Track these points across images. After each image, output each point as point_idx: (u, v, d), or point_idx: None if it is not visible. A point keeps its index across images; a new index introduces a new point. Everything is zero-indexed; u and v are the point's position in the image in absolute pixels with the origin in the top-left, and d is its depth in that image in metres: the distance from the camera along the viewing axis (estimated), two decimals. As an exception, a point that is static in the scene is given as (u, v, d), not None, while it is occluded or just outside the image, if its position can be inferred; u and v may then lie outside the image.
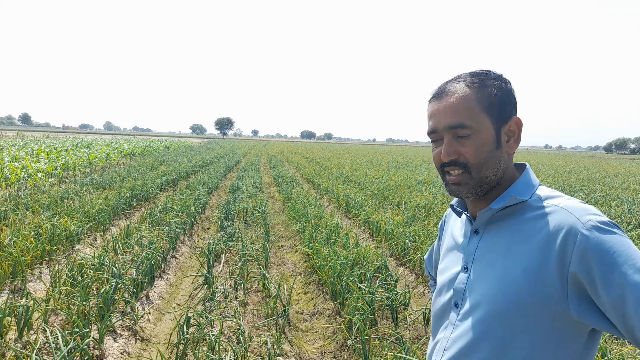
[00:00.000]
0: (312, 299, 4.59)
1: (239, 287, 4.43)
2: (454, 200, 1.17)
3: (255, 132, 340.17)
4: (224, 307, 3.87)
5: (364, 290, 3.92)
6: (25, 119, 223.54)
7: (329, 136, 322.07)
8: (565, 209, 0.91)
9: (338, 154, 36.37)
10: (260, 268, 4.83)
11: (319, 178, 13.63)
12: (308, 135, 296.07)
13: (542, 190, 1.01)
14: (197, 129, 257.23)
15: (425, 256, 1.45)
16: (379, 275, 4.54)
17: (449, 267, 1.11)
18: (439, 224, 1.32)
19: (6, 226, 5.74)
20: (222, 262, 5.22)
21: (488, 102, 0.98)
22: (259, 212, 7.73)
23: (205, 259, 5.02)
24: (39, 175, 11.25)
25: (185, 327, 3.26)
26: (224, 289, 4.24)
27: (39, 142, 30.40)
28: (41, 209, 6.97)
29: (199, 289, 4.43)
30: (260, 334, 3.50)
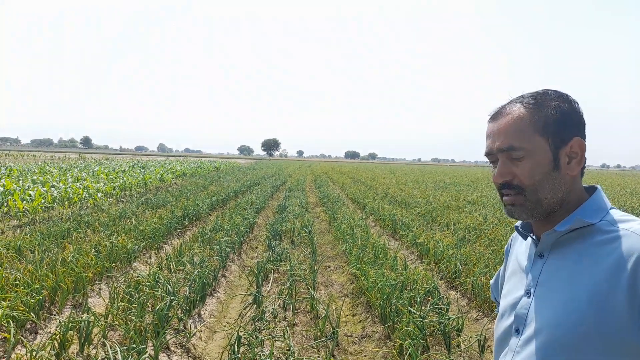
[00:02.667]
0: (360, 321, 4.53)
1: (287, 307, 4.45)
2: (519, 222, 1.13)
3: (300, 153, 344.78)
4: (273, 327, 3.90)
5: (415, 314, 3.83)
6: (86, 141, 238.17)
7: (373, 156, 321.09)
8: (637, 233, 0.87)
9: (383, 173, 36.13)
10: (308, 288, 4.84)
11: (365, 198, 13.57)
12: (352, 155, 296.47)
13: (614, 214, 0.96)
14: (245, 150, 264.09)
15: (492, 281, 1.41)
16: (430, 298, 4.42)
17: (512, 291, 1.08)
18: (505, 247, 1.29)
19: (69, 243, 6.08)
20: (271, 281, 5.28)
21: (544, 122, 0.96)
22: (305, 232, 7.77)
23: (254, 278, 5.09)
24: (99, 195, 11.89)
25: (236, 347, 3.30)
26: (273, 309, 4.27)
27: (98, 163, 32.27)
28: (101, 227, 7.34)
29: (248, 308, 4.48)
30: (310, 356, 3.48)
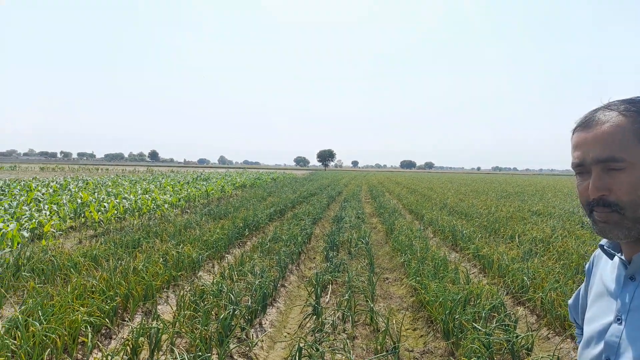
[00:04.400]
0: (421, 336, 4.42)
1: (346, 319, 4.43)
2: (604, 240, 1.04)
3: (355, 163, 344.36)
4: (333, 339, 3.89)
5: (480, 330, 3.68)
6: (153, 155, 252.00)
7: (429, 165, 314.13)
8: None
9: (440, 183, 35.23)
10: (367, 300, 4.79)
11: (422, 208, 13.28)
12: (408, 164, 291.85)
13: None
14: (301, 161, 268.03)
15: (570, 301, 1.32)
16: (495, 314, 4.23)
17: (599, 316, 1.00)
18: (586, 265, 1.20)
19: (140, 252, 6.42)
20: (329, 292, 5.28)
21: None
22: (362, 243, 7.73)
23: (313, 289, 5.12)
24: (166, 206, 12.51)
25: (297, 358, 3.33)
26: (332, 321, 4.26)
27: (164, 176, 33.99)
28: (168, 237, 7.71)
29: (308, 319, 4.51)
30: (370, 370, 3.43)
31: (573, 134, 0.98)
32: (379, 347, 3.77)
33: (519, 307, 4.92)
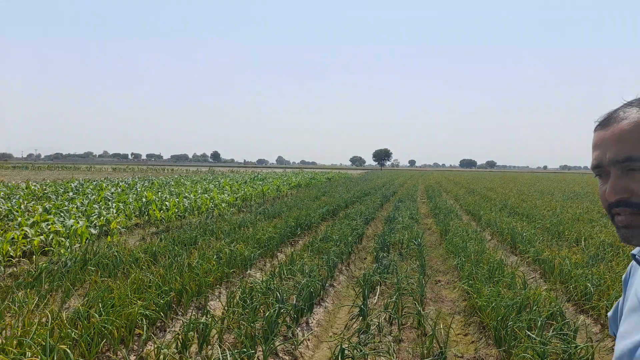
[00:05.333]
0: (472, 342, 4.25)
1: (393, 322, 4.35)
2: (637, 249, 0.95)
3: (412, 162, 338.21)
4: (378, 342, 3.83)
5: (534, 339, 3.48)
6: (215, 156, 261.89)
7: (491, 164, 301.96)
8: None
9: (502, 183, 33.77)
10: (415, 303, 4.68)
11: (480, 209, 12.79)
12: (468, 164, 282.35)
13: None
14: (357, 161, 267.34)
15: (610, 313, 1.20)
16: (553, 322, 3.99)
17: (630, 332, 0.89)
18: (623, 276, 1.09)
19: (195, 250, 6.69)
20: (377, 294, 5.22)
21: None
22: (414, 244, 7.57)
23: (361, 290, 5.08)
24: (223, 205, 12.95)
25: (340, 359, 3.31)
26: (379, 322, 4.20)
27: (224, 176, 35.22)
28: (222, 235, 7.97)
29: (354, 320, 4.48)
30: (415, 375, 3.35)
31: (594, 133, 0.90)
32: (425, 352, 3.67)
33: (581, 316, 4.60)
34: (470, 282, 5.15)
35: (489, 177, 51.67)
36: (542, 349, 3.27)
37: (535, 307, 4.24)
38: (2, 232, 7.20)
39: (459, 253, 6.79)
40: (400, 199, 17.12)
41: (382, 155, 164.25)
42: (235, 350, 3.30)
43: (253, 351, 3.29)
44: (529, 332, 3.59)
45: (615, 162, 0.83)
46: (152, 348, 3.44)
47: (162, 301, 4.17)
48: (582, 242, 7.54)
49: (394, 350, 3.53)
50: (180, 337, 3.49)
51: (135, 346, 3.64)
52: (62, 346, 3.02)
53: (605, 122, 0.87)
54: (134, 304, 3.93)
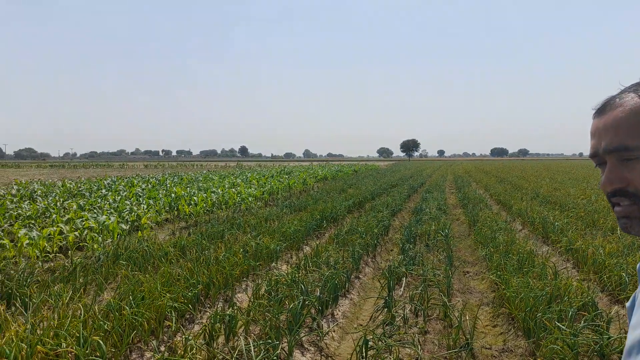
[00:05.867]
0: (501, 333, 4.17)
1: (419, 313, 4.32)
2: None
3: (441, 152, 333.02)
4: (403, 333, 3.82)
5: (564, 330, 3.38)
6: (243, 151, 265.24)
7: (523, 152, 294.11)
8: None
9: (534, 171, 32.87)
10: (441, 295, 4.63)
11: (511, 199, 12.50)
12: (499, 152, 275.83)
13: None
14: (384, 152, 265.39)
15: (628, 304, 1.15)
16: (585, 313, 3.87)
17: None
18: (637, 265, 1.04)
19: (222, 243, 6.80)
20: (403, 285, 5.18)
21: None
22: (441, 235, 7.47)
23: (386, 282, 5.06)
24: (250, 199, 13.09)
25: (364, 350, 3.32)
26: (404, 314, 4.18)
27: (252, 170, 35.61)
28: (249, 228, 8.07)
29: (379, 312, 4.47)
30: (441, 366, 3.32)
31: (593, 120, 0.86)
32: (451, 343, 3.63)
33: (615, 306, 4.45)
34: (498, 272, 5.06)
35: (520, 166, 50.37)
36: (573, 340, 3.19)
37: (566, 298, 4.12)
38: (39, 228, 7.51)
39: (487, 244, 6.66)
40: (428, 189, 16.91)
41: (409, 146, 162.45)
42: (261, 342, 3.35)
43: (278, 342, 3.33)
44: (558, 323, 3.50)
45: (609, 151, 0.80)
46: (181, 339, 3.53)
47: (190, 294, 4.26)
48: (618, 231, 7.27)
49: (418, 342, 3.50)
50: (207, 328, 3.57)
51: (165, 337, 3.74)
52: (95, 337, 3.14)
53: (601, 110, 0.83)
54: (163, 296, 4.03)
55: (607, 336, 3.27)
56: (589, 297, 4.05)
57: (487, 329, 4.30)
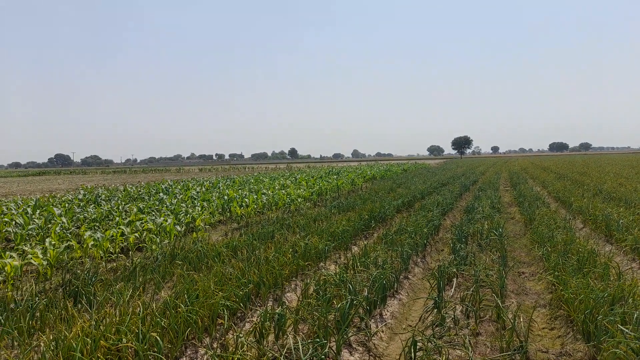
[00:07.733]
0: (559, 336, 3.99)
1: (470, 315, 4.21)
2: None
3: (495, 149, 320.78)
4: (454, 335, 3.74)
5: (628, 334, 3.18)
6: (292, 152, 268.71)
7: (585, 147, 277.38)
8: None
9: (597, 166, 30.96)
10: (494, 296, 4.49)
11: (571, 196, 11.86)
12: (559, 147, 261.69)
13: None
14: (434, 150, 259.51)
15: None
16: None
17: None
18: None
19: (272, 243, 6.94)
20: (454, 286, 5.07)
21: None
22: (495, 234, 7.22)
23: (436, 282, 4.97)
24: (299, 200, 13.26)
25: (413, 351, 3.28)
26: (454, 315, 4.09)
27: (301, 171, 36.01)
28: (298, 229, 8.19)
29: (429, 313, 4.40)
30: (493, 369, 3.23)
31: None
32: (504, 345, 3.52)
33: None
34: (556, 273, 4.83)
35: (582, 161, 47.64)
36: (638, 345, 2.99)
37: (630, 300, 3.87)
38: (103, 230, 8.01)
39: (544, 243, 6.37)
40: (480, 187, 16.38)
41: (461, 143, 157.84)
42: (309, 340, 3.40)
43: (326, 341, 3.37)
44: (622, 327, 3.30)
45: None
46: (232, 336, 3.65)
47: (241, 293, 4.40)
48: (692, 229, 6.72)
49: (469, 343, 3.42)
50: (257, 326, 3.67)
51: (217, 334, 3.89)
52: (153, 334, 3.32)
53: None
54: (216, 295, 4.19)
55: (677, 341, 3.04)
56: (657, 300, 3.78)
57: (544, 332, 4.12)
